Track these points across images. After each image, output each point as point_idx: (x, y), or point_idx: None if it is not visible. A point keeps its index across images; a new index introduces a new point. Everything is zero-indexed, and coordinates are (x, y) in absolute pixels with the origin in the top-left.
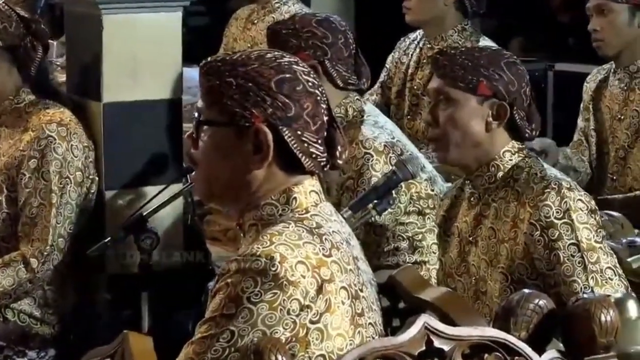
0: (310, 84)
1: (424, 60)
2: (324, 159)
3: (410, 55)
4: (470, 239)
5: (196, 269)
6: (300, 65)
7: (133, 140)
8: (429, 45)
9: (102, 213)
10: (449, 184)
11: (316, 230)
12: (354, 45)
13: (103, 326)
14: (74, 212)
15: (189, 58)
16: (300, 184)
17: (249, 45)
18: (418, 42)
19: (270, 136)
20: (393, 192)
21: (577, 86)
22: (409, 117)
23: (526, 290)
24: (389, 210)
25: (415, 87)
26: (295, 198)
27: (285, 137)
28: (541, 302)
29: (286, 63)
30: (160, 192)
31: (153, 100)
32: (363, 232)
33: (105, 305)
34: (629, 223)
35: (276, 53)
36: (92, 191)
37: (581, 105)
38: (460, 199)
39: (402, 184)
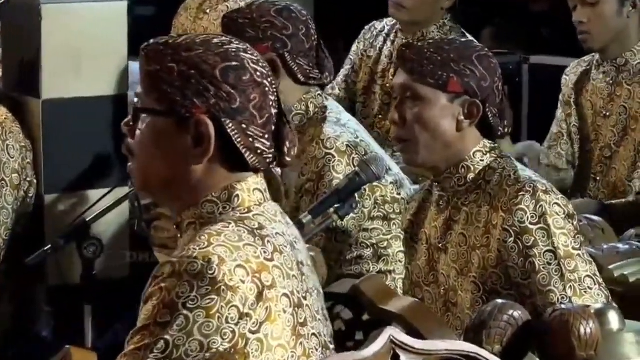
0: (258, 73)
1: None
2: (270, 155)
3: (378, 49)
4: (440, 245)
5: (143, 279)
6: (249, 52)
7: (75, 139)
8: (405, 41)
9: (41, 219)
10: (417, 187)
11: (258, 231)
12: (315, 37)
13: (43, 341)
14: (10, 217)
15: (135, 51)
16: (244, 181)
17: None
18: (388, 34)
19: (212, 129)
20: (356, 195)
21: (554, 80)
22: (380, 116)
23: (499, 301)
24: (352, 215)
25: (387, 85)
26: (237, 196)
27: (229, 131)
28: (516, 314)
29: (234, 50)
30: (104, 196)
31: (96, 97)
32: (324, 238)
33: (46, 318)
34: (610, 228)
35: (224, 38)
36: (30, 195)
37: (560, 97)
38: (428, 202)
39: (366, 186)
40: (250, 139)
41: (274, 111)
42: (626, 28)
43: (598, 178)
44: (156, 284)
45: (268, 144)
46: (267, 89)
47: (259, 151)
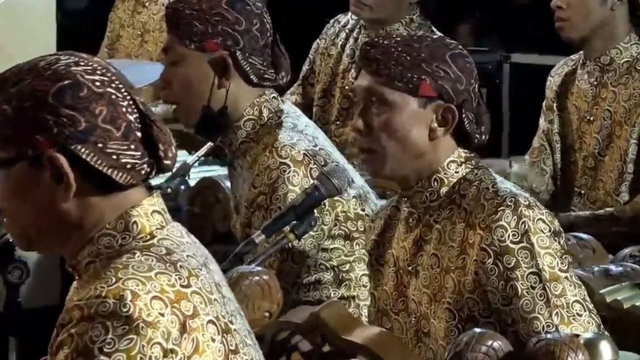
0: (97, 83)
1: None
2: (145, 166)
3: (340, 47)
4: (409, 268)
5: None
6: (82, 64)
7: None
8: (368, 39)
9: None
10: (384, 202)
11: (167, 257)
12: (271, 32)
13: None
14: None
15: (65, 47)
16: (138, 205)
17: (138, 32)
18: (352, 30)
19: (65, 161)
20: (315, 211)
21: (538, 81)
22: (337, 122)
23: (477, 330)
24: (310, 233)
25: (346, 87)
26: (135, 223)
27: (83, 156)
28: (495, 344)
29: (62, 67)
30: None
31: None
32: (278, 260)
33: None
34: (602, 248)
35: (50, 58)
36: None
37: (544, 103)
38: (396, 219)
39: (326, 201)
40: (114, 157)
41: (132, 117)
42: (610, 21)
43: (583, 192)
44: (65, 332)
45: (138, 154)
46: (113, 96)
47: (128, 166)
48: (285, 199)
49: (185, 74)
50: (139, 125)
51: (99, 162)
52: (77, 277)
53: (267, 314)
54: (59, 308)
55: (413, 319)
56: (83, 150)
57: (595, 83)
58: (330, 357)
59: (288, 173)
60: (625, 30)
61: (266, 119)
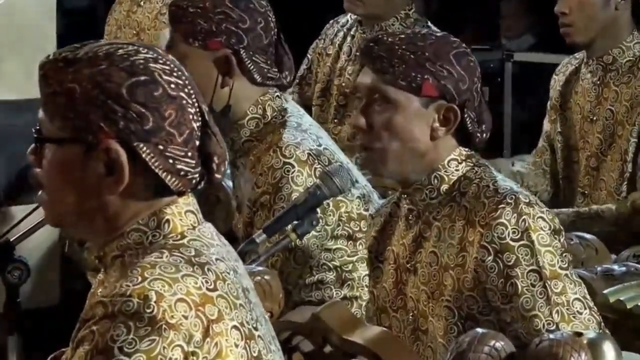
0: (172, 85)
1: (358, 53)
2: (196, 175)
3: (338, 45)
4: (408, 266)
5: (75, 308)
6: (161, 62)
7: None
8: (364, 35)
9: None
10: (385, 201)
11: (196, 259)
12: (275, 31)
13: None
14: None
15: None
16: (173, 203)
17: (134, 32)
18: (349, 29)
19: (123, 155)
20: (317, 211)
21: (540, 80)
22: (335, 120)
23: (479, 330)
24: (314, 233)
25: (344, 85)
26: (167, 221)
27: (143, 155)
28: (497, 344)
29: (141, 61)
30: (30, 212)
31: (22, 100)
32: (281, 259)
33: None
34: (605, 248)
35: (130, 48)
36: None
37: (548, 104)
38: (396, 217)
39: (330, 201)
40: (171, 161)
41: (196, 125)
42: (615, 21)
43: (586, 192)
44: (87, 328)
45: (193, 162)
46: (184, 101)
47: (181, 173)
48: (289, 199)
49: (189, 72)
50: (199, 134)
51: (156, 163)
52: (102, 270)
53: (268, 314)
54: (58, 309)
55: (411, 316)
56: (145, 149)
57: (598, 82)
58: (332, 357)
59: (292, 173)
60: (628, 30)
61: (270, 117)
